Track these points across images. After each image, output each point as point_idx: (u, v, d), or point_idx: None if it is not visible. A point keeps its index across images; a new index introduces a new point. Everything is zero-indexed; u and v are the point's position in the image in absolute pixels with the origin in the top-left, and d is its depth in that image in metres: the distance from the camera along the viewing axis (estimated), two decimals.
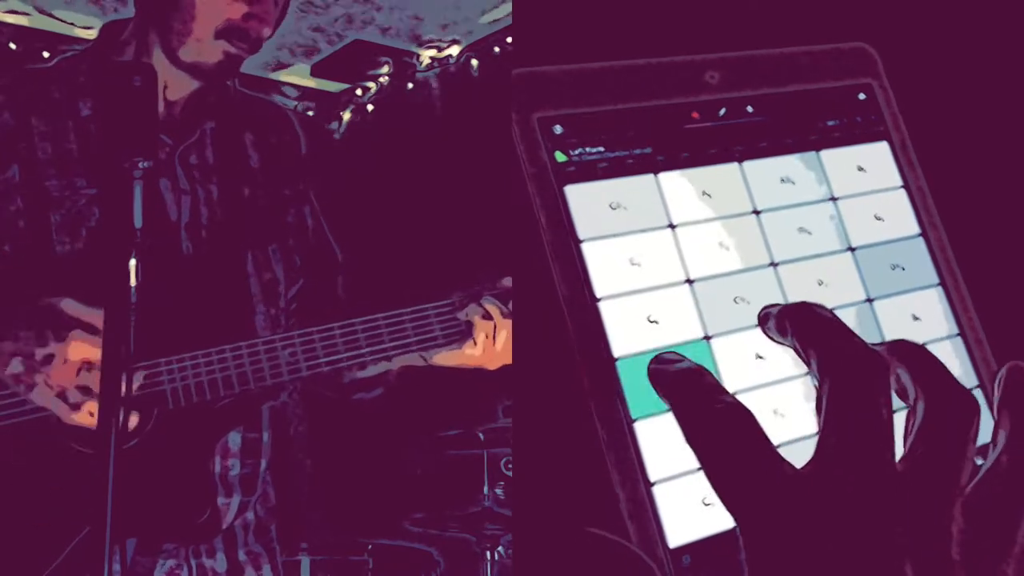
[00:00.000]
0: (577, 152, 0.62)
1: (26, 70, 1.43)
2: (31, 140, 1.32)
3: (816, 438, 0.62)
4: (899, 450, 0.46)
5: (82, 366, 1.18)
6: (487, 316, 1.23)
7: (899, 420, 0.53)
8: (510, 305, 1.24)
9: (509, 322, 1.23)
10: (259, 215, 1.44)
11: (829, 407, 0.45)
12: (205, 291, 1.34)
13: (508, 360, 1.25)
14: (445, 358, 1.27)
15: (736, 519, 0.45)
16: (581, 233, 0.61)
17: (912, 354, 0.48)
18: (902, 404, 0.49)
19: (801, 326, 0.49)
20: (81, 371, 1.18)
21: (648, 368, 0.52)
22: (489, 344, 1.23)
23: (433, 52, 4.48)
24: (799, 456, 0.47)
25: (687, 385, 0.49)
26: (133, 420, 1.20)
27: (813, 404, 0.63)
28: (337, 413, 1.48)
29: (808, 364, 0.49)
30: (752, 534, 0.44)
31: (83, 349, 1.18)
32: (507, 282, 1.27)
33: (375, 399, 1.43)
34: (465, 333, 1.24)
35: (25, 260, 1.29)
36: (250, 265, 1.42)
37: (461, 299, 1.25)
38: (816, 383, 0.48)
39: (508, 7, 3.94)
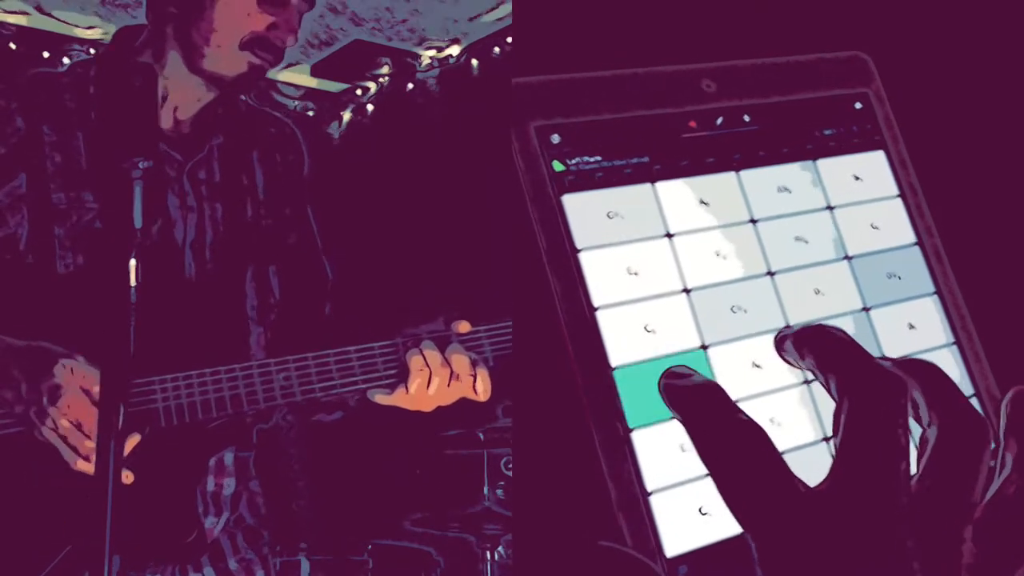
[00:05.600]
0: (574, 161, 0.62)
1: (39, 74, 1.41)
2: (41, 149, 1.31)
3: (812, 447, 0.62)
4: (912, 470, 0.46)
5: (78, 424, 1.17)
6: (424, 364, 1.23)
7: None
8: (448, 351, 1.24)
9: (446, 371, 1.24)
10: (261, 235, 1.44)
11: (847, 429, 0.46)
12: (204, 311, 1.34)
13: (444, 403, 1.27)
14: (381, 398, 1.28)
15: (750, 536, 0.45)
16: (578, 242, 0.61)
17: (926, 375, 0.48)
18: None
19: (819, 350, 0.50)
20: (80, 428, 1.17)
21: (659, 383, 0.52)
22: (422, 391, 1.24)
23: (433, 52, 4.48)
24: (795, 464, 0.47)
25: (701, 401, 0.49)
26: (132, 442, 1.19)
27: (808, 412, 0.63)
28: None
29: (827, 387, 0.49)
30: (766, 551, 0.44)
31: (73, 413, 1.17)
32: (461, 326, 1.27)
33: (335, 422, 1.43)
34: (401, 376, 1.25)
35: (27, 272, 1.28)
36: (248, 285, 1.42)
37: (404, 342, 1.26)
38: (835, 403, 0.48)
39: (508, 7, 3.94)
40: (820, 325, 0.51)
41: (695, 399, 0.49)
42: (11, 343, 1.20)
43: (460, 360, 1.23)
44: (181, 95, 1.38)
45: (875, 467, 0.44)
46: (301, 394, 1.24)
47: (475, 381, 1.24)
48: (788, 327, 0.53)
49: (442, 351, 1.24)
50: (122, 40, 1.42)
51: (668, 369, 0.52)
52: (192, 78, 1.36)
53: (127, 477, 1.16)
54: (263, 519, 1.47)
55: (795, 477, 0.46)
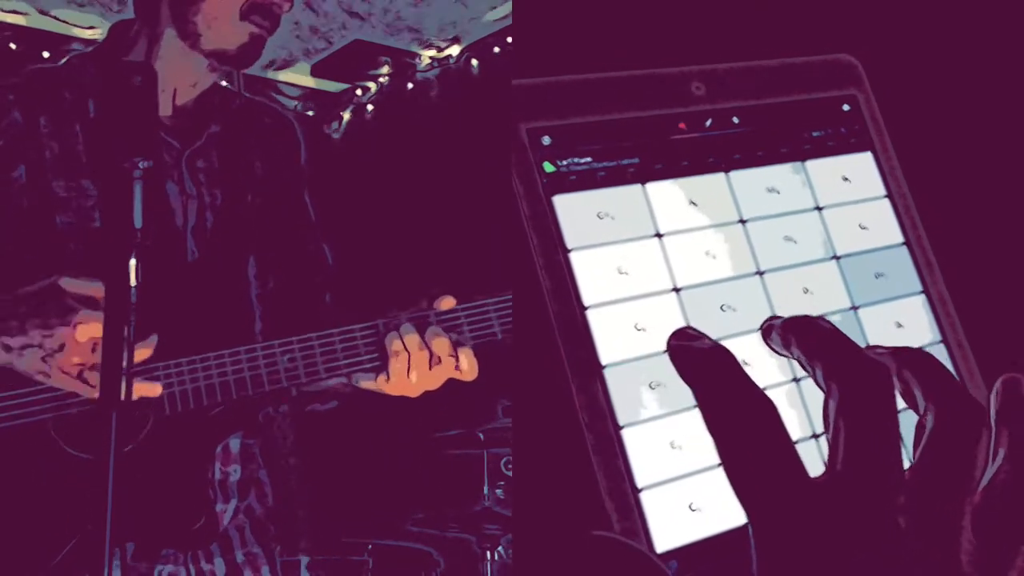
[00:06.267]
0: (565, 162, 0.63)
1: (36, 69, 1.42)
2: (39, 140, 1.31)
3: (800, 444, 0.63)
4: (908, 458, 0.46)
5: (93, 344, 1.18)
6: (403, 348, 1.23)
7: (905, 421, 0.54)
8: (428, 334, 1.22)
9: (425, 354, 1.22)
10: (261, 222, 1.44)
11: (836, 420, 0.46)
12: (208, 297, 1.34)
13: (430, 387, 1.25)
14: (366, 384, 1.27)
15: (750, 518, 0.45)
16: (569, 242, 0.62)
17: (920, 362, 0.48)
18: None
19: (805, 339, 0.49)
20: (95, 349, 1.17)
21: (668, 344, 0.50)
22: (402, 375, 1.23)
23: (433, 52, 4.48)
24: None
25: (713, 369, 0.48)
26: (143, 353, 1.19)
27: (797, 410, 0.64)
28: (334, 414, 1.48)
29: (814, 376, 0.49)
30: (766, 538, 0.44)
31: (89, 329, 1.17)
32: (445, 302, 1.26)
33: (330, 411, 1.42)
34: (382, 362, 1.24)
35: (29, 261, 1.29)
36: (251, 271, 1.42)
37: (385, 324, 1.25)
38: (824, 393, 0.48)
39: (508, 7, 3.94)
40: (806, 316, 0.51)
41: (706, 365, 0.48)
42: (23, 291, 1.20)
43: (440, 342, 1.22)
44: (180, 79, 1.38)
45: (868, 457, 0.44)
46: (306, 375, 1.24)
47: (458, 361, 1.23)
48: (776, 317, 0.53)
49: (422, 334, 1.23)
50: (116, 34, 1.43)
51: (677, 330, 0.51)
52: (191, 59, 1.36)
53: (154, 390, 1.17)
54: (270, 511, 1.48)
55: (802, 465, 0.45)
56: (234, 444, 1.41)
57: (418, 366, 1.22)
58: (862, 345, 0.66)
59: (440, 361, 1.22)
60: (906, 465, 0.46)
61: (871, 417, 0.45)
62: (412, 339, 1.22)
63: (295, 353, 1.24)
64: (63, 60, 1.42)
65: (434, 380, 1.24)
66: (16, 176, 1.30)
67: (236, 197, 1.42)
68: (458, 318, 1.25)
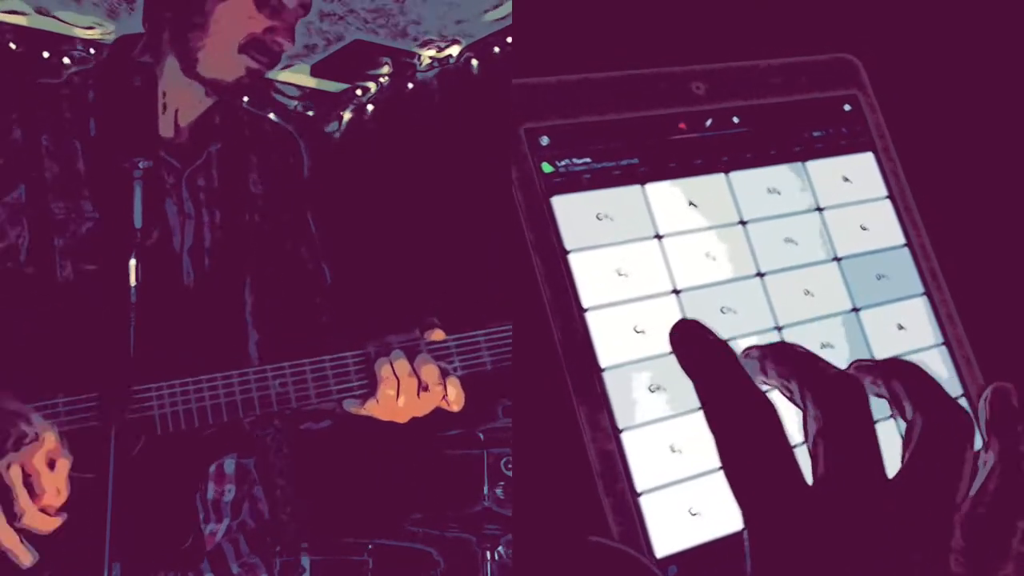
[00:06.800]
0: (564, 163, 0.63)
1: (38, 85, 1.41)
2: (39, 160, 1.31)
3: (802, 446, 0.63)
4: (897, 466, 0.47)
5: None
6: (392, 374, 1.22)
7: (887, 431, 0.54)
8: (417, 362, 1.22)
9: (414, 381, 1.22)
10: (259, 241, 1.44)
11: (816, 434, 0.46)
12: (203, 319, 1.33)
13: (418, 413, 1.25)
14: (355, 409, 1.27)
15: (746, 519, 0.46)
16: (568, 244, 0.61)
17: (907, 373, 0.49)
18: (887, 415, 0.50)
19: (778, 363, 0.50)
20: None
21: (671, 335, 0.51)
22: (391, 401, 1.23)
23: (433, 52, 4.48)
24: None
25: (716, 366, 0.49)
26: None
27: (799, 411, 0.63)
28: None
29: (791, 398, 0.50)
30: (761, 539, 0.45)
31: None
32: (436, 335, 1.26)
33: (324, 429, 1.42)
34: (371, 387, 1.24)
35: (26, 282, 1.28)
36: (247, 292, 1.42)
37: (376, 351, 1.25)
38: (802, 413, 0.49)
39: (508, 7, 3.94)
40: (780, 342, 0.52)
41: (709, 361, 0.49)
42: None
43: (429, 370, 1.22)
44: (180, 101, 1.38)
45: (851, 467, 0.45)
46: (296, 401, 1.24)
47: (446, 391, 1.23)
48: (752, 347, 0.53)
49: (411, 360, 1.23)
50: (121, 48, 1.42)
51: (680, 321, 0.52)
52: (190, 84, 1.36)
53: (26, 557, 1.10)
54: (266, 523, 1.47)
55: (799, 469, 0.46)
56: (229, 465, 1.40)
57: (406, 392, 1.22)
58: (863, 347, 0.66)
59: (428, 388, 1.22)
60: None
61: (848, 426, 0.46)
62: (402, 365, 1.22)
63: (287, 378, 1.24)
64: (66, 66, 1.42)
65: (422, 407, 1.24)
66: (16, 196, 1.29)
67: (236, 216, 1.42)
68: (448, 348, 1.25)
